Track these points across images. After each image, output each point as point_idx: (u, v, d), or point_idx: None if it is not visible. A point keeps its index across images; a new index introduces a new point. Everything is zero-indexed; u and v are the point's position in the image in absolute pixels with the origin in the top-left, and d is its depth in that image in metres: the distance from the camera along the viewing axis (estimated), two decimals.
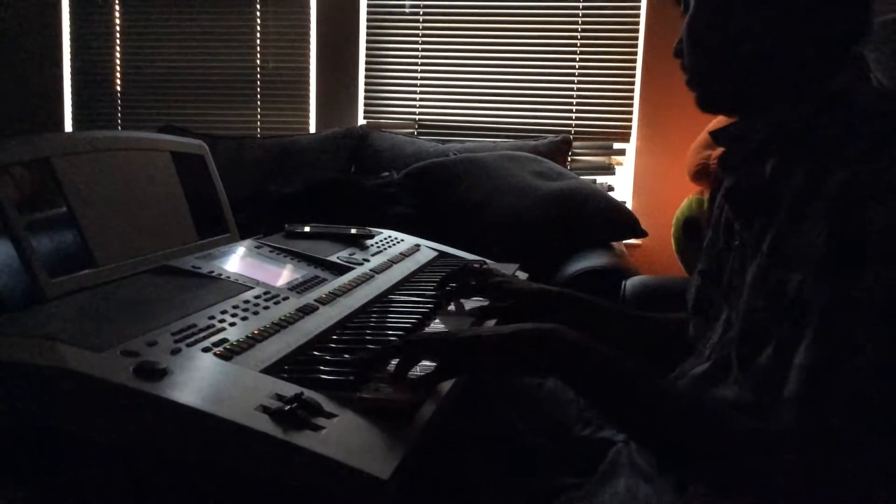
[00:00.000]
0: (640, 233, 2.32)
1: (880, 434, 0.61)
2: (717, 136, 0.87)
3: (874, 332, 0.62)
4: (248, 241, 1.38)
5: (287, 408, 0.68)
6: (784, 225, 0.73)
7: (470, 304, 1.23)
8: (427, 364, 0.84)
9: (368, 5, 3.25)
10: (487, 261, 1.60)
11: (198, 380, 0.74)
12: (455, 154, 2.71)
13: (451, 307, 1.22)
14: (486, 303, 1.20)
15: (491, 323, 1.17)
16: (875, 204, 0.65)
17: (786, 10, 0.77)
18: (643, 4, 3.05)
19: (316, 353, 0.92)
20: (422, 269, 1.48)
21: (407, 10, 3.23)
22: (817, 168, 0.71)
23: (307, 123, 3.39)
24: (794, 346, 0.67)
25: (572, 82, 3.11)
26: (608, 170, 3.12)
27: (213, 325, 0.89)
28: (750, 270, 0.77)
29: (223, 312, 0.94)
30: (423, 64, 3.24)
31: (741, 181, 0.84)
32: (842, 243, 0.66)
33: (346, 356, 0.90)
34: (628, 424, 0.77)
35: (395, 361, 0.82)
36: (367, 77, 3.29)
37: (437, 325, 1.12)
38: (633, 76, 3.09)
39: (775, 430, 0.65)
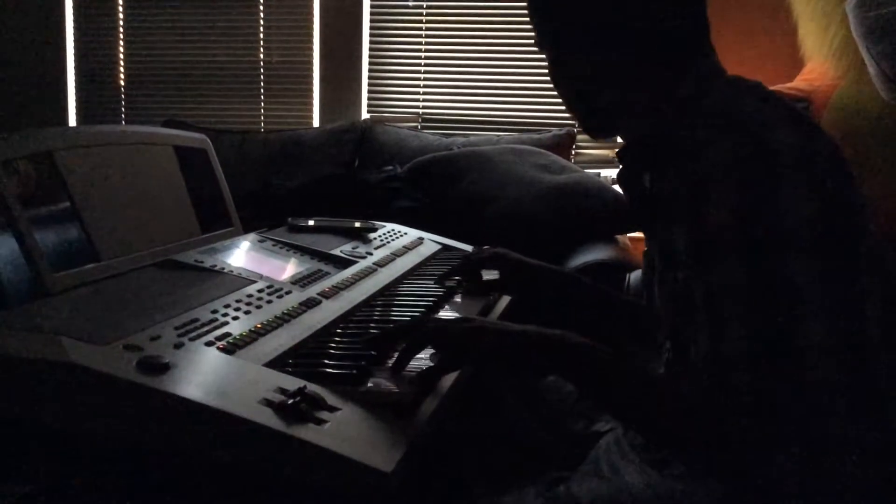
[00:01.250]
0: None
1: (757, 408, 0.67)
2: (619, 158, 0.94)
3: (738, 313, 0.68)
4: (251, 235, 1.39)
5: (290, 401, 0.68)
6: (665, 230, 0.79)
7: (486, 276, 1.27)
8: (425, 358, 0.84)
9: None
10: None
11: (201, 374, 0.74)
12: (458, 148, 2.71)
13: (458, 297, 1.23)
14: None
15: (504, 302, 1.22)
16: (710, 202, 0.70)
17: (620, 36, 0.83)
18: None
19: (319, 346, 0.92)
20: (425, 263, 1.48)
21: (410, 4, 3.22)
22: (678, 172, 0.76)
23: (311, 117, 3.38)
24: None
25: None
26: (612, 163, 3.12)
27: (217, 319, 0.89)
28: (655, 278, 0.84)
29: (226, 306, 0.94)
30: (426, 58, 3.23)
31: (631, 196, 0.92)
32: (697, 241, 0.72)
33: (350, 350, 0.90)
34: (628, 421, 0.81)
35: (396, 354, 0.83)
36: (370, 71, 3.28)
37: (443, 315, 1.12)
38: None
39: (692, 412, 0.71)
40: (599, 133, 0.94)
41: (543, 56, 0.92)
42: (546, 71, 0.94)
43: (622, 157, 0.93)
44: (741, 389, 0.67)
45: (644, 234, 0.94)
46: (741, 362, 0.67)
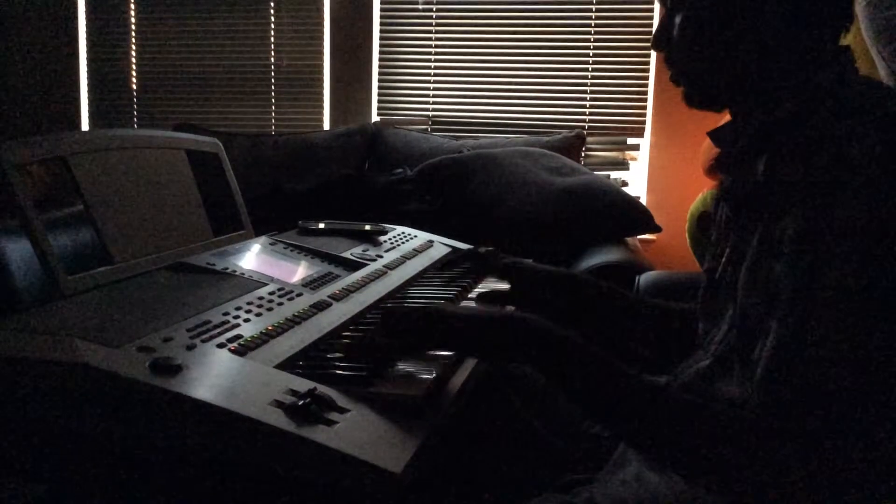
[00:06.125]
0: (655, 228, 2.31)
1: (836, 421, 0.63)
2: (715, 138, 0.89)
3: (834, 322, 0.65)
4: (262, 238, 1.39)
5: (300, 403, 0.69)
6: (771, 218, 0.74)
7: (487, 286, 1.26)
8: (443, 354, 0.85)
9: (382, 2, 3.26)
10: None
11: (212, 375, 0.75)
12: (468, 150, 2.71)
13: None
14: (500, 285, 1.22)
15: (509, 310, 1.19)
16: (845, 195, 0.66)
17: (774, 7, 0.78)
18: None
19: (329, 348, 0.92)
20: (435, 266, 1.48)
21: (420, 7, 3.23)
22: (804, 162, 0.71)
23: (321, 121, 3.40)
24: None
25: (586, 77, 3.10)
26: (622, 165, 3.11)
27: (228, 322, 0.89)
28: (744, 266, 0.79)
29: (238, 309, 0.95)
30: (436, 60, 3.24)
31: (736, 180, 0.86)
32: (809, 237, 0.68)
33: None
34: (595, 411, 0.78)
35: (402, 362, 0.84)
36: (380, 74, 3.30)
37: None
38: (647, 70, 3.07)
39: (744, 416, 0.67)
40: (706, 104, 0.88)
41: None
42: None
43: (719, 137, 0.88)
44: (817, 387, 0.64)
45: (732, 226, 0.87)
46: (828, 361, 0.64)
